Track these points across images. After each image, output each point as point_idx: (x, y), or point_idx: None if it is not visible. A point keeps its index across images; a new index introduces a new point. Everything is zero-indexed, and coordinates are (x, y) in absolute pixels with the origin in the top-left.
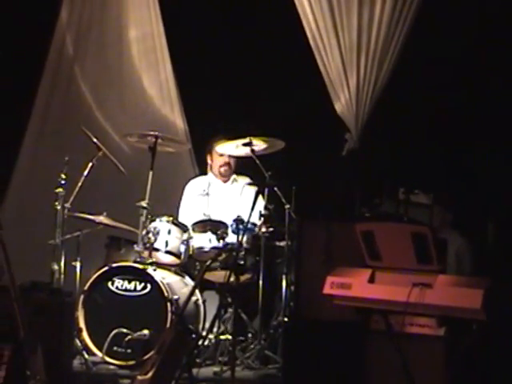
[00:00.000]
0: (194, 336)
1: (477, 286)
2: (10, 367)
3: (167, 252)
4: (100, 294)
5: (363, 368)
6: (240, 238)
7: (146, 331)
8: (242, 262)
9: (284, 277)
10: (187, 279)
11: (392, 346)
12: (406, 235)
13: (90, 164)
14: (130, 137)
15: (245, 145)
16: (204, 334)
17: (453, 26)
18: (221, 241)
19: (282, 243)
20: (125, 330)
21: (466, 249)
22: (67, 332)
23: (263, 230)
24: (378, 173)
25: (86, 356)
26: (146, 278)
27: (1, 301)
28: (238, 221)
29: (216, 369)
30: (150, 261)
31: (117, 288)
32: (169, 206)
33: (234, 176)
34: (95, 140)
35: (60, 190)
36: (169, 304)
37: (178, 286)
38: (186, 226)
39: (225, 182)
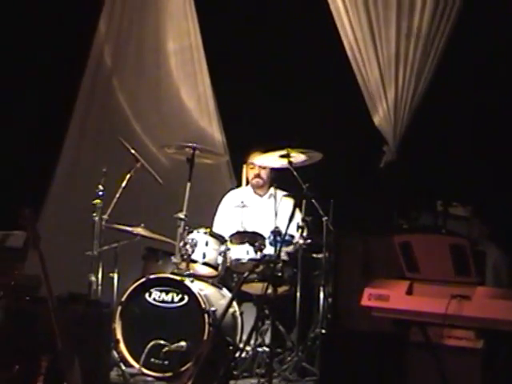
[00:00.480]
0: (231, 348)
1: None
2: (47, 378)
3: (205, 264)
4: (137, 305)
5: (401, 380)
6: (277, 249)
7: (183, 343)
8: (279, 274)
9: (321, 289)
10: (224, 291)
11: (430, 359)
12: (445, 247)
13: (128, 175)
14: (168, 148)
15: (282, 156)
16: (241, 345)
17: (492, 34)
18: (258, 252)
19: (320, 255)
20: (162, 342)
21: (503, 261)
22: (104, 343)
23: (301, 241)
24: (416, 185)
25: (124, 368)
26: (183, 289)
27: (38, 312)
28: (276, 232)
29: (253, 381)
30: (188, 272)
31: (154, 299)
32: (206, 218)
33: (272, 191)
34: (133, 151)
35: (98, 201)
36: (206, 316)
37: (216, 297)
38: (223, 238)
39: (261, 195)
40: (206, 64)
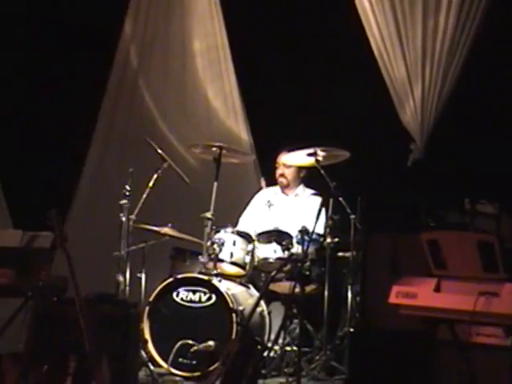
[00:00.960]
0: (259, 347)
1: None
2: (75, 378)
3: (232, 263)
4: (165, 305)
5: (429, 378)
6: (305, 248)
7: (211, 342)
8: (307, 273)
9: (349, 287)
10: (252, 290)
11: (459, 356)
12: (472, 244)
13: (155, 175)
14: (195, 148)
15: (310, 155)
16: (269, 345)
17: None
18: (286, 251)
19: (348, 254)
20: (190, 342)
21: None
22: (133, 343)
23: (328, 240)
24: (444, 183)
25: (152, 367)
26: (211, 289)
27: (66, 312)
28: (303, 231)
29: (282, 380)
30: (215, 272)
31: (182, 299)
32: (233, 217)
33: (299, 190)
34: (160, 151)
35: (125, 201)
36: (234, 315)
37: (243, 296)
38: (250, 237)
39: (288, 194)
40: (232, 63)
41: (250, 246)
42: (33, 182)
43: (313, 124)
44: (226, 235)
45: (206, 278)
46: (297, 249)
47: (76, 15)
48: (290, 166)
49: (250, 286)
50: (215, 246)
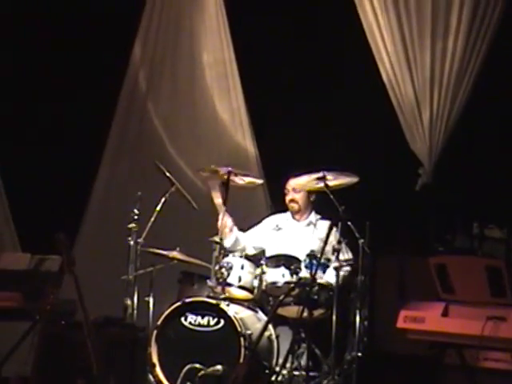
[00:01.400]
0: (267, 371)
1: None
2: None
3: (240, 287)
4: (173, 329)
5: None
6: (313, 273)
7: (219, 366)
8: (315, 297)
9: (357, 311)
10: (260, 314)
11: (466, 381)
12: (480, 268)
13: (163, 199)
14: (203, 172)
15: (319, 179)
16: (277, 369)
17: None
18: (294, 276)
19: (356, 278)
20: (198, 366)
21: None
22: (140, 367)
23: (337, 264)
24: (452, 207)
25: None
26: (219, 313)
27: (75, 336)
28: (311, 256)
29: None
30: (223, 296)
31: (190, 323)
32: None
33: (312, 217)
34: (168, 175)
35: (133, 225)
36: (242, 339)
37: (251, 321)
38: (259, 261)
39: (298, 220)
40: (242, 86)
41: (259, 270)
42: (41, 205)
43: (321, 148)
44: (234, 259)
45: (214, 302)
46: (305, 273)
47: (85, 39)
48: (300, 191)
49: (258, 310)
50: (223, 269)
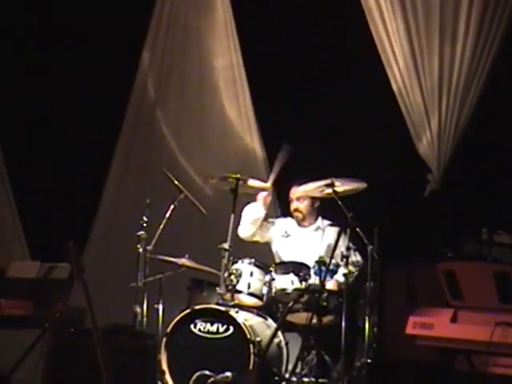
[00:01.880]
0: (276, 378)
1: None
2: None
3: (250, 294)
4: (182, 336)
5: None
6: (322, 279)
7: (228, 373)
8: (324, 304)
9: (367, 318)
10: (270, 321)
11: None
12: (488, 274)
13: (172, 206)
14: (212, 178)
15: (327, 186)
16: (287, 376)
17: None
18: (303, 282)
19: (365, 284)
20: (207, 373)
21: None
22: (150, 375)
23: (345, 270)
24: (461, 213)
25: None
26: (228, 320)
27: (84, 344)
28: (320, 262)
29: None
30: (233, 303)
31: (199, 330)
32: (251, 248)
33: (319, 222)
34: (177, 182)
35: (142, 232)
36: (251, 346)
37: (261, 327)
38: (268, 268)
39: (306, 226)
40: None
41: (268, 277)
42: (50, 213)
43: (330, 154)
44: (243, 266)
45: (223, 309)
46: (314, 280)
47: (94, 46)
48: (304, 201)
49: (268, 316)
50: (232, 276)
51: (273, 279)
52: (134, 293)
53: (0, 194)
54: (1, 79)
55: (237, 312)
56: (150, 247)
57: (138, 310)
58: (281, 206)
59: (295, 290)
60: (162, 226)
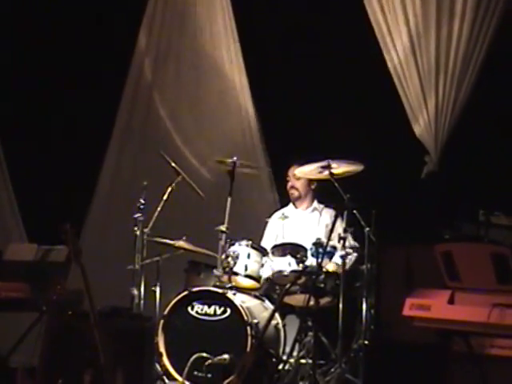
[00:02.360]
0: (274, 360)
1: None
2: None
3: (247, 276)
4: (180, 318)
5: None
6: (319, 261)
7: (226, 355)
8: (321, 286)
9: (364, 300)
10: (267, 303)
11: (473, 369)
12: (486, 255)
13: (169, 189)
14: (209, 161)
15: (324, 168)
16: (284, 357)
17: None
18: (300, 264)
19: (362, 266)
20: (205, 355)
21: None
22: (147, 357)
23: (343, 252)
24: (458, 195)
25: (167, 381)
26: (225, 302)
27: (81, 326)
28: (317, 244)
29: None
30: (230, 285)
31: (196, 312)
32: (248, 230)
33: (316, 204)
34: (174, 164)
35: (139, 215)
36: (249, 328)
37: (258, 309)
38: (265, 250)
39: (303, 209)
40: (246, 75)
41: (265, 259)
42: (47, 196)
43: (326, 136)
44: (240, 248)
45: (220, 291)
46: (311, 261)
47: (90, 27)
48: (300, 178)
49: (265, 298)
50: (229, 259)
51: (270, 261)
52: (131, 275)
53: None
54: None
55: (234, 294)
56: (147, 230)
57: (136, 292)
58: (278, 190)
59: (292, 271)
60: (159, 209)
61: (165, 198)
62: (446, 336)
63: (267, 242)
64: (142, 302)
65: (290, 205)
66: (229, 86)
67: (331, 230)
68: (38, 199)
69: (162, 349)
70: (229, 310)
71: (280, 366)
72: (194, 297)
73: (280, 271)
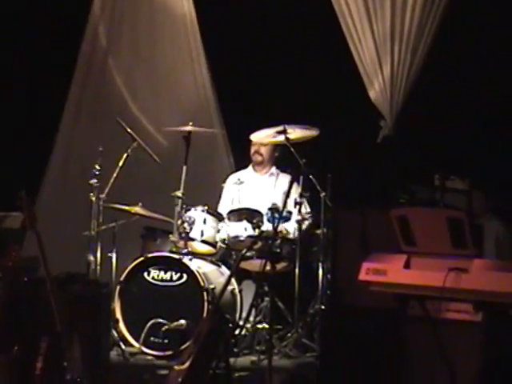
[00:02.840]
0: (230, 325)
1: None
2: (47, 359)
3: (203, 241)
4: (136, 284)
5: (401, 354)
6: (275, 226)
7: (182, 321)
8: (277, 251)
9: (320, 264)
10: (223, 268)
11: (429, 332)
12: (441, 220)
13: (125, 155)
14: (164, 128)
15: (279, 133)
16: (241, 323)
17: (490, 5)
18: (256, 229)
19: (318, 231)
20: (161, 321)
21: (505, 234)
22: (104, 323)
23: (299, 217)
24: (413, 159)
25: (123, 347)
26: (181, 267)
27: (37, 293)
28: (273, 209)
29: (253, 358)
30: (186, 250)
31: (153, 278)
32: (204, 195)
33: (274, 170)
34: (129, 130)
35: (95, 180)
36: (205, 293)
37: (214, 275)
38: (221, 215)
39: (262, 173)
40: (201, 41)
41: (221, 224)
42: (2, 163)
43: (282, 102)
44: (196, 213)
45: (176, 256)
46: (267, 226)
47: None
48: (266, 145)
49: (221, 264)
50: (185, 224)
51: (226, 226)
52: (87, 241)
53: None
54: None
55: (190, 259)
56: (102, 196)
57: (92, 258)
58: (233, 153)
59: (248, 236)
60: (115, 175)
61: (120, 164)
62: (402, 300)
63: (223, 207)
64: (98, 268)
65: (249, 168)
66: (185, 54)
67: (287, 195)
68: None
69: (118, 315)
70: (185, 276)
71: (237, 331)
72: (150, 263)
73: (236, 236)
